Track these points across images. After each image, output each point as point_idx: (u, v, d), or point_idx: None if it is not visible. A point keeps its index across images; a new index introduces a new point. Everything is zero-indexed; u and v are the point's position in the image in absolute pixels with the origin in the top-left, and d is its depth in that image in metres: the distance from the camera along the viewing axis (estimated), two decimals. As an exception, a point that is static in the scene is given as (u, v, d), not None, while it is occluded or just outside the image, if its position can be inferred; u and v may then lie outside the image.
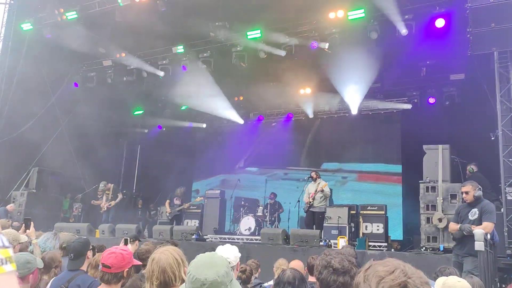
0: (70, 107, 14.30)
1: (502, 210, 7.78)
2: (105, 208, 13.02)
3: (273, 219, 12.45)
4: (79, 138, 14.27)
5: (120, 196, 13.50)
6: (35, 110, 13.14)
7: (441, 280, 3.51)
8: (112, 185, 13.63)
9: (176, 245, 5.41)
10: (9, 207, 11.62)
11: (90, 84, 14.07)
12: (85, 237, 4.47)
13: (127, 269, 3.03)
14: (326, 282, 2.48)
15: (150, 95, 15.61)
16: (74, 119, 14.36)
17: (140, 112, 17.34)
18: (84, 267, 4.05)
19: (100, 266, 3.00)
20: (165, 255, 2.62)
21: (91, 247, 4.33)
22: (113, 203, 13.13)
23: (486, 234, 5.64)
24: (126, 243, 5.08)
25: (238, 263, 3.64)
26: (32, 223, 5.33)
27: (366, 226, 11.18)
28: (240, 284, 4.44)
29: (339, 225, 10.77)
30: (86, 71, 14.33)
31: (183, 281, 2.63)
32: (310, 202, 10.86)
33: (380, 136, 14.60)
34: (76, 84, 14.32)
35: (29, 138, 12.84)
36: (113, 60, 13.76)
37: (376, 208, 11.45)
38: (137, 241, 5.99)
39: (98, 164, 14.44)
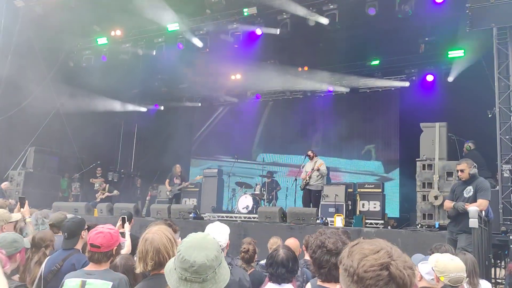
0: (65, 86, 14.17)
1: (497, 187, 7.81)
2: (99, 199, 13.06)
3: (270, 197, 12.50)
4: (76, 118, 14.17)
5: (115, 192, 13.58)
6: (30, 89, 13.03)
7: (434, 257, 3.53)
8: (107, 185, 13.71)
9: (170, 226, 5.45)
10: (3, 185, 11.57)
11: (85, 63, 13.90)
12: (80, 216, 4.44)
13: (116, 247, 3.04)
14: (319, 261, 2.50)
15: (146, 73, 15.48)
16: (70, 98, 14.24)
17: (136, 91, 17.23)
18: (78, 246, 4.05)
19: (89, 247, 2.99)
20: (158, 235, 2.62)
21: (86, 226, 4.33)
22: (107, 194, 13.26)
23: (481, 211, 5.67)
24: (124, 222, 5.08)
25: (228, 242, 3.64)
26: (26, 201, 5.33)
27: (363, 204, 11.26)
28: (242, 263, 4.49)
29: (336, 203, 10.83)
30: (80, 49, 14.15)
31: (176, 260, 2.63)
32: (307, 180, 10.89)
33: (378, 114, 14.56)
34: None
35: (25, 117, 12.77)
36: (108, 38, 13.57)
37: (373, 186, 11.52)
38: (132, 220, 5.99)
39: (95, 143, 14.41)
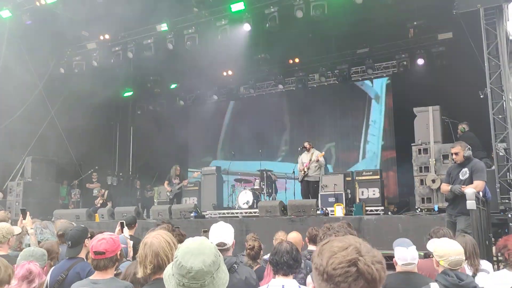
0: (58, 93, 14.15)
1: (493, 167, 7.87)
2: (98, 205, 13.08)
3: (270, 191, 12.54)
4: (70, 124, 14.16)
5: (109, 205, 13.61)
6: (23, 98, 13.01)
7: (433, 242, 3.58)
8: (107, 191, 13.72)
9: (173, 227, 5.48)
10: None
11: (76, 69, 13.86)
12: (83, 225, 4.48)
13: (119, 252, 3.08)
14: None
15: (138, 75, 15.45)
16: (63, 105, 14.22)
17: (130, 93, 17.20)
18: (82, 255, 4.08)
19: (92, 255, 3.02)
20: (157, 239, 2.65)
21: (89, 235, 4.36)
22: (103, 200, 13.31)
23: (478, 192, 5.72)
24: (122, 227, 5.12)
25: (233, 242, 3.67)
26: (28, 213, 5.36)
27: (362, 192, 11.32)
28: (248, 260, 4.53)
29: (336, 192, 10.88)
30: (70, 55, 14.10)
31: (176, 263, 2.67)
32: (305, 171, 10.94)
33: (371, 102, 14.62)
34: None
35: (20, 127, 12.75)
36: (97, 42, 13.53)
37: (371, 173, 11.57)
38: (134, 225, 6.04)
39: (92, 148, 14.42)
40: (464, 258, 3.42)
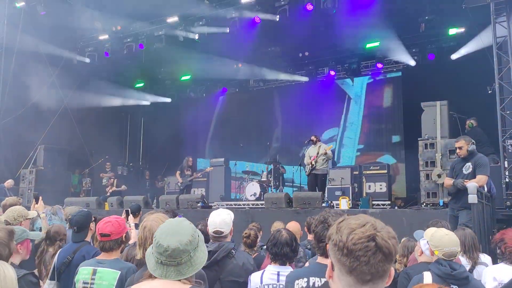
0: (71, 83, 14.35)
1: (499, 163, 7.84)
2: (109, 194, 13.32)
3: (277, 183, 12.62)
4: (83, 114, 14.39)
5: (123, 187, 13.80)
6: (37, 88, 13.23)
7: (430, 231, 3.62)
8: (116, 179, 13.95)
9: (175, 215, 5.59)
10: (7, 183, 11.83)
11: (89, 59, 14.04)
12: (86, 210, 4.61)
13: (125, 234, 3.20)
14: (319, 235, 2.63)
15: (149, 67, 15.59)
16: (76, 95, 14.43)
17: (141, 85, 17.36)
18: (88, 239, 4.22)
19: (98, 237, 3.14)
20: (156, 222, 2.73)
21: (93, 219, 4.49)
22: (114, 189, 13.51)
23: (480, 187, 5.73)
24: (128, 214, 5.25)
25: (231, 229, 3.71)
26: (40, 197, 5.53)
27: (370, 186, 11.35)
28: (245, 248, 4.61)
29: (342, 186, 10.92)
30: (83, 46, 14.28)
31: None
32: (313, 164, 10.96)
33: (380, 95, 14.58)
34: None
35: (33, 116, 12.98)
36: (109, 34, 13.68)
37: (378, 167, 11.59)
38: (138, 213, 6.14)
39: (103, 138, 14.62)
40: (459, 249, 3.46)
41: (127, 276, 2.98)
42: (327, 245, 1.45)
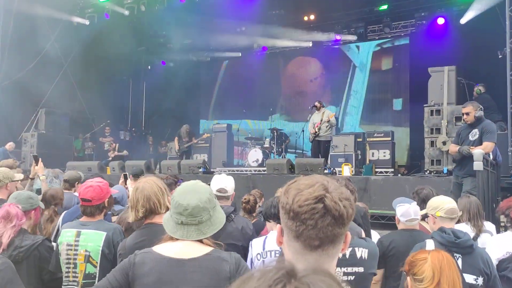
0: (71, 46, 14.07)
1: (506, 130, 7.67)
2: (111, 158, 13.29)
3: (280, 150, 12.51)
4: (84, 78, 14.18)
5: (125, 152, 13.74)
6: (36, 50, 13.00)
7: (428, 203, 3.56)
8: (117, 144, 13.90)
9: (176, 179, 5.51)
10: (8, 146, 11.79)
11: (88, 21, 13.73)
12: (95, 175, 4.53)
13: (107, 199, 3.09)
14: None
15: (151, 30, 15.26)
16: (76, 57, 14.17)
17: (142, 48, 17.06)
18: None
19: (80, 201, 3.04)
20: (148, 183, 2.66)
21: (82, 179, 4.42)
22: (116, 153, 13.48)
23: (486, 154, 5.60)
24: (126, 178, 5.17)
25: (233, 193, 3.69)
26: (40, 159, 5.45)
27: (373, 153, 11.26)
28: (244, 214, 4.55)
29: (346, 153, 10.85)
30: (83, 7, 13.93)
31: (167, 208, 2.68)
32: (316, 132, 10.83)
33: (386, 64, 14.26)
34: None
35: (34, 79, 12.79)
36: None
37: (382, 134, 11.46)
38: (141, 177, 6.07)
39: (105, 103, 14.45)
40: (458, 209, 3.41)
41: (113, 237, 2.92)
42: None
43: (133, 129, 16.94)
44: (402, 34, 13.78)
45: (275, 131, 12.45)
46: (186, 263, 1.90)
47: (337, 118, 11.71)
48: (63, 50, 13.77)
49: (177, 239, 1.96)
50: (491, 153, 6.02)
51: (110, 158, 13.26)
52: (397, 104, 14.09)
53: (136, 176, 6.05)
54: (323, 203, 1.18)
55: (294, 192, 1.21)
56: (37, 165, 5.38)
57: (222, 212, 2.09)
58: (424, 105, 8.55)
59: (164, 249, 1.95)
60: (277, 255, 3.19)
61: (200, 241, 1.96)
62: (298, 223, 1.18)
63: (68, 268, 2.90)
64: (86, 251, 2.88)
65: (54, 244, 3.16)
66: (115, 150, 13.55)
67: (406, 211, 3.52)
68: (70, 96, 14.09)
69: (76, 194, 4.29)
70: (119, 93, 16.22)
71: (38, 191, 5.53)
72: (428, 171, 8.33)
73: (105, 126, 14.53)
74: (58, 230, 3.70)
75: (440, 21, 12.52)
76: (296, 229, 1.19)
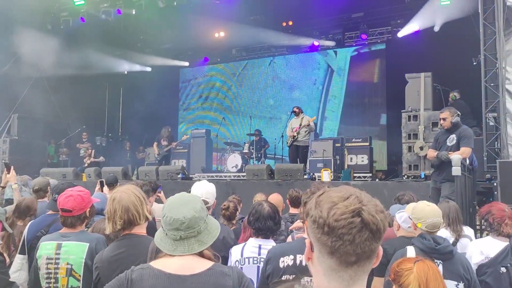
0: (45, 50, 13.74)
1: (481, 136, 7.83)
2: (86, 165, 13.03)
3: (259, 155, 12.50)
4: (59, 82, 13.85)
5: (101, 158, 13.50)
6: (9, 54, 12.67)
7: (410, 206, 3.57)
8: (93, 150, 13.66)
9: (156, 186, 5.39)
10: None
11: (63, 25, 13.45)
12: (69, 181, 4.38)
13: (89, 209, 2.97)
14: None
15: (128, 35, 15.07)
16: (50, 62, 13.83)
17: (119, 52, 16.82)
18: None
19: (60, 212, 2.91)
20: (126, 194, 2.56)
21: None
22: (92, 159, 13.23)
23: (464, 159, 5.68)
24: (102, 185, 5.03)
25: (214, 201, 3.62)
26: (12, 167, 5.25)
27: (351, 158, 11.35)
28: (224, 221, 4.48)
29: (324, 158, 10.89)
30: (58, 11, 13.64)
31: (146, 218, 2.60)
32: (294, 136, 10.84)
33: (364, 69, 14.42)
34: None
35: (6, 83, 12.46)
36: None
37: (360, 140, 11.55)
38: (115, 185, 5.88)
39: (81, 108, 14.17)
40: (442, 221, 3.40)
41: (97, 248, 2.79)
42: (305, 222, 1.25)
43: (110, 134, 16.68)
44: (379, 41, 13.97)
45: (255, 135, 12.44)
46: (188, 279, 1.81)
47: (315, 123, 11.75)
48: (37, 54, 13.45)
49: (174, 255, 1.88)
50: (467, 158, 6.12)
51: (86, 165, 12.98)
52: (375, 109, 14.24)
53: (111, 185, 5.85)
54: (360, 217, 1.13)
55: (328, 205, 1.16)
56: (9, 173, 5.19)
57: (213, 218, 2.04)
58: (402, 110, 8.67)
59: (163, 265, 1.85)
60: (255, 262, 3.16)
61: (200, 254, 1.90)
62: (334, 238, 1.13)
63: (49, 283, 2.77)
64: (68, 264, 2.76)
65: (6, 256, 2.99)
66: (91, 156, 13.28)
67: (407, 218, 3.52)
68: (44, 101, 13.75)
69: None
70: (95, 98, 15.92)
71: (8, 201, 5.31)
72: (406, 176, 8.43)
73: (82, 132, 14.24)
74: (24, 242, 3.48)
75: (415, 27, 12.72)
76: (331, 245, 1.13)
